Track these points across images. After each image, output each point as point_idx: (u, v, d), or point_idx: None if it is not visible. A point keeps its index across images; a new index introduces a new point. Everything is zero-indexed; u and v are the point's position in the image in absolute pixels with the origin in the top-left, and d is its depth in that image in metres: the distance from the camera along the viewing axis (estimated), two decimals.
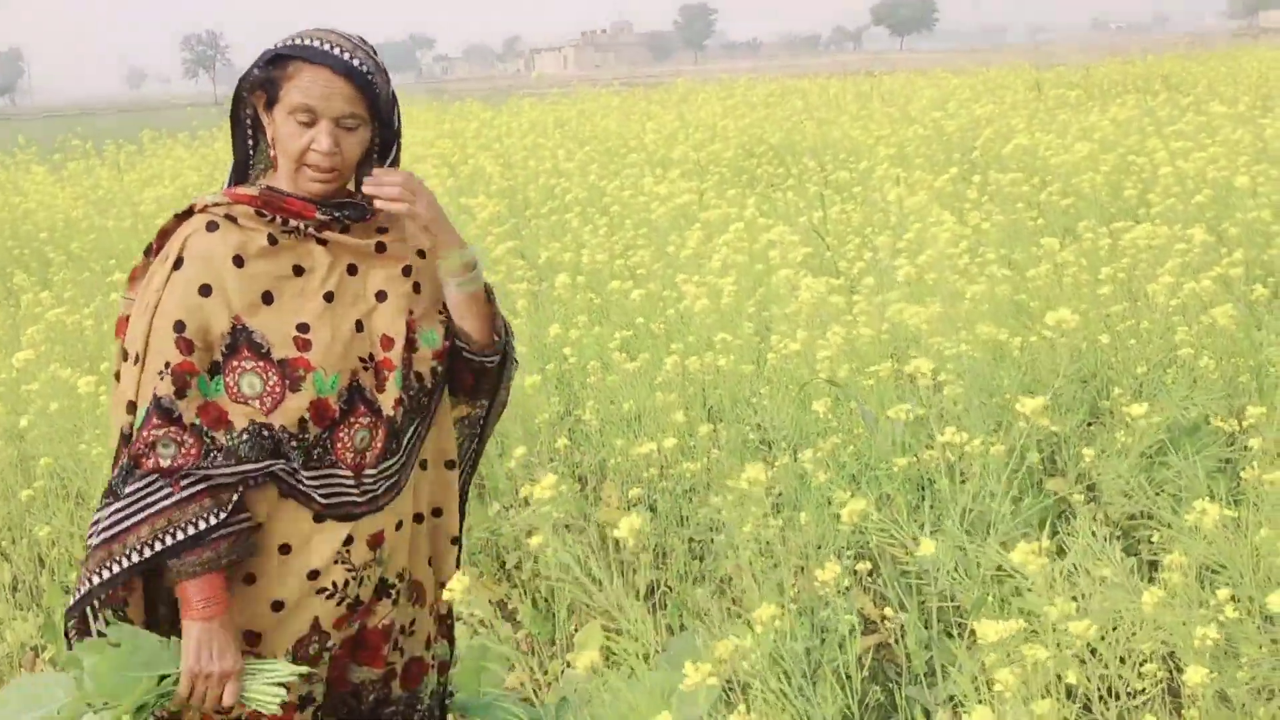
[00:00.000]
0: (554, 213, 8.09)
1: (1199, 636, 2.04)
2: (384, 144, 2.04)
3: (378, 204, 2.02)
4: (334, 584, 2.00)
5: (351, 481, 1.98)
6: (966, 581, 2.68)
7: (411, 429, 2.08)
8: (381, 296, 2.04)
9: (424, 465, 2.15)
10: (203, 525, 1.88)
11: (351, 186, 2.07)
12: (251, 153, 2.09)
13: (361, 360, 2.00)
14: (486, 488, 4.30)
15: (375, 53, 2.00)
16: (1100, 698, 2.13)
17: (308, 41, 1.95)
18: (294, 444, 1.93)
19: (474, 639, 3.41)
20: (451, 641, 2.38)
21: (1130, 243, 4.83)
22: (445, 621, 2.32)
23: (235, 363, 1.92)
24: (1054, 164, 7.58)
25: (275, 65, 1.94)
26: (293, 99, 1.92)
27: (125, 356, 1.97)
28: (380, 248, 2.06)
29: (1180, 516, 2.53)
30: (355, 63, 1.94)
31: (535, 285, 6.02)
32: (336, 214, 2.00)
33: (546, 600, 3.73)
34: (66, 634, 1.97)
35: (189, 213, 2.00)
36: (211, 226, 1.95)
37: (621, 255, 6.37)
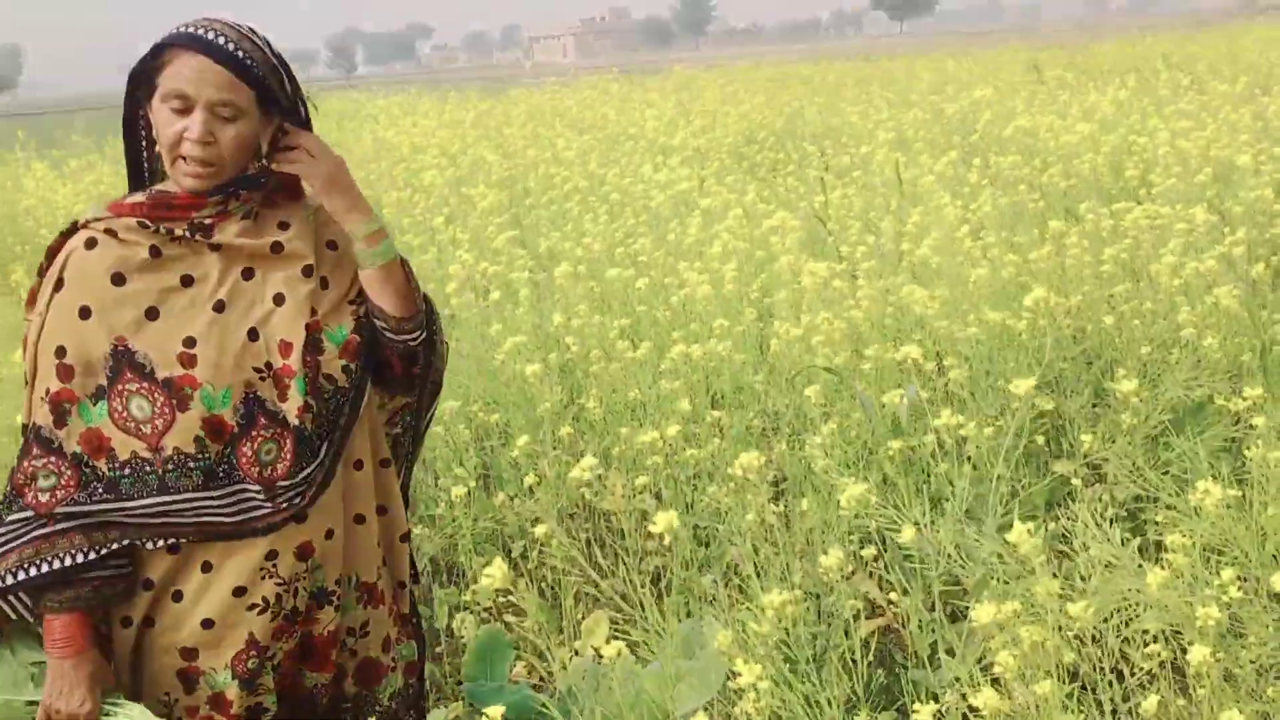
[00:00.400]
0: (554, 202, 8.09)
1: (1202, 616, 2.04)
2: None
3: (276, 165, 1.94)
4: (264, 599, 1.96)
5: (263, 496, 1.90)
6: (970, 564, 2.69)
7: (335, 430, 2.01)
8: (279, 300, 1.94)
9: (359, 466, 2.08)
10: (69, 561, 1.84)
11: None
12: (145, 156, 2.00)
13: (257, 370, 1.91)
14: (491, 477, 4.31)
15: (268, 45, 1.92)
16: (1105, 678, 2.13)
17: (186, 29, 1.88)
18: (192, 465, 1.86)
19: (481, 629, 3.42)
20: (420, 640, 2.33)
21: (1132, 223, 4.82)
22: (410, 621, 2.28)
23: (120, 386, 1.84)
24: (1054, 145, 7.56)
25: (155, 55, 1.86)
26: (166, 85, 1.84)
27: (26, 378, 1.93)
28: (277, 248, 1.95)
29: (1184, 497, 2.54)
30: (233, 49, 1.85)
31: (536, 274, 6.01)
32: (229, 190, 1.90)
33: (553, 589, 3.75)
34: None
35: (74, 229, 1.92)
36: (90, 244, 1.87)
37: (622, 243, 6.36)
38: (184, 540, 1.91)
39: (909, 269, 4.93)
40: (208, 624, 1.94)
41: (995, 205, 5.52)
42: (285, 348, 1.93)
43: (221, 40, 1.85)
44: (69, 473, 1.84)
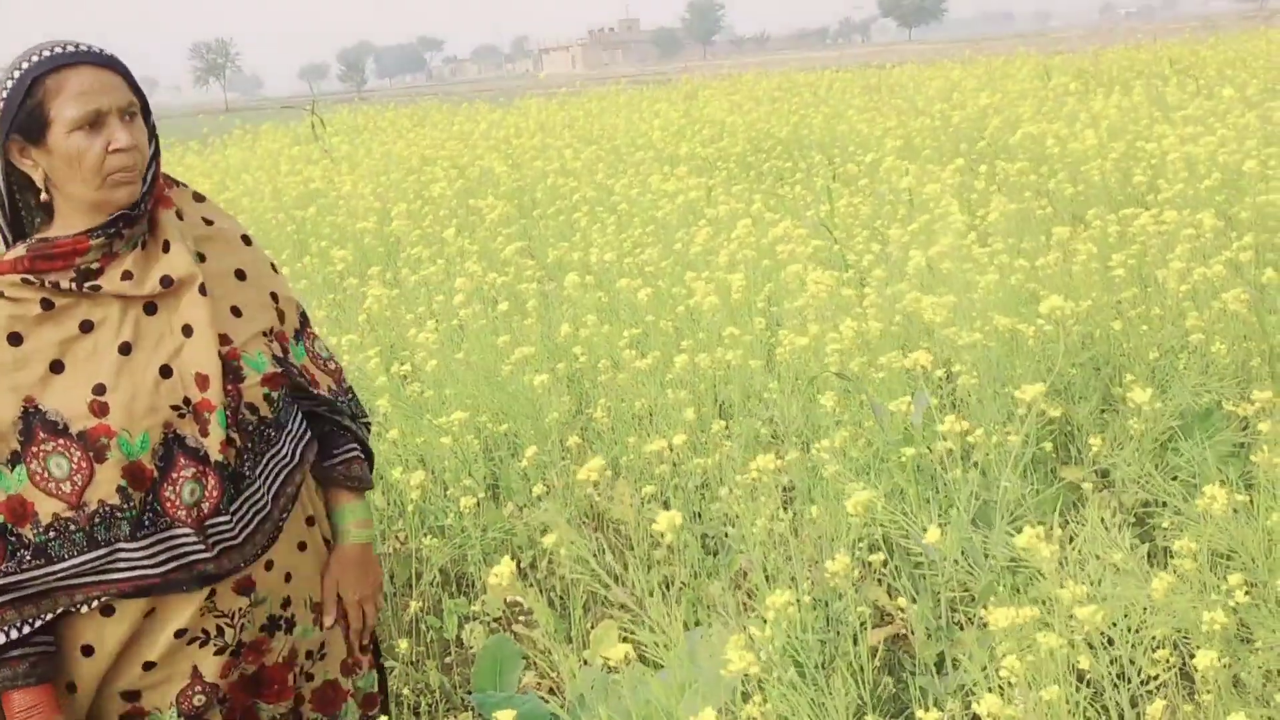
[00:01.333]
0: (562, 212, 8.11)
1: (1209, 621, 2.04)
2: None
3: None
4: (204, 631, 1.91)
5: (193, 539, 1.84)
6: (978, 571, 2.69)
7: (263, 464, 1.95)
8: (188, 331, 1.86)
9: (294, 500, 2.04)
10: (1, 639, 1.78)
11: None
12: (22, 213, 1.89)
13: (175, 408, 1.83)
14: (500, 488, 4.32)
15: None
16: (1113, 683, 2.13)
17: (51, 52, 1.78)
18: (120, 516, 1.79)
19: (490, 638, 3.43)
20: (380, 670, 2.29)
21: (1140, 229, 4.82)
22: (367, 649, 2.24)
23: (35, 448, 1.77)
24: (1062, 152, 7.56)
25: (31, 93, 1.76)
26: (70, 112, 1.75)
27: None
28: (167, 282, 1.86)
29: (1191, 503, 2.53)
30: (105, 54, 1.81)
31: (544, 285, 6.03)
32: (110, 231, 1.82)
33: (561, 598, 3.75)
34: None
35: None
36: None
37: (630, 253, 6.38)
38: (117, 600, 1.84)
39: (916, 276, 4.93)
40: (149, 666, 1.89)
41: (1003, 212, 5.52)
42: (202, 380, 1.86)
43: (95, 49, 1.81)
44: None
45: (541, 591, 3.79)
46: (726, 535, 3.60)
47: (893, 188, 7.25)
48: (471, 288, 5.32)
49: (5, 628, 1.79)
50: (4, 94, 1.79)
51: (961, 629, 2.72)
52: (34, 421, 1.78)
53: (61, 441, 1.78)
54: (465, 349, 4.93)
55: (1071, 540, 2.51)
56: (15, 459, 1.78)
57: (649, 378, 4.29)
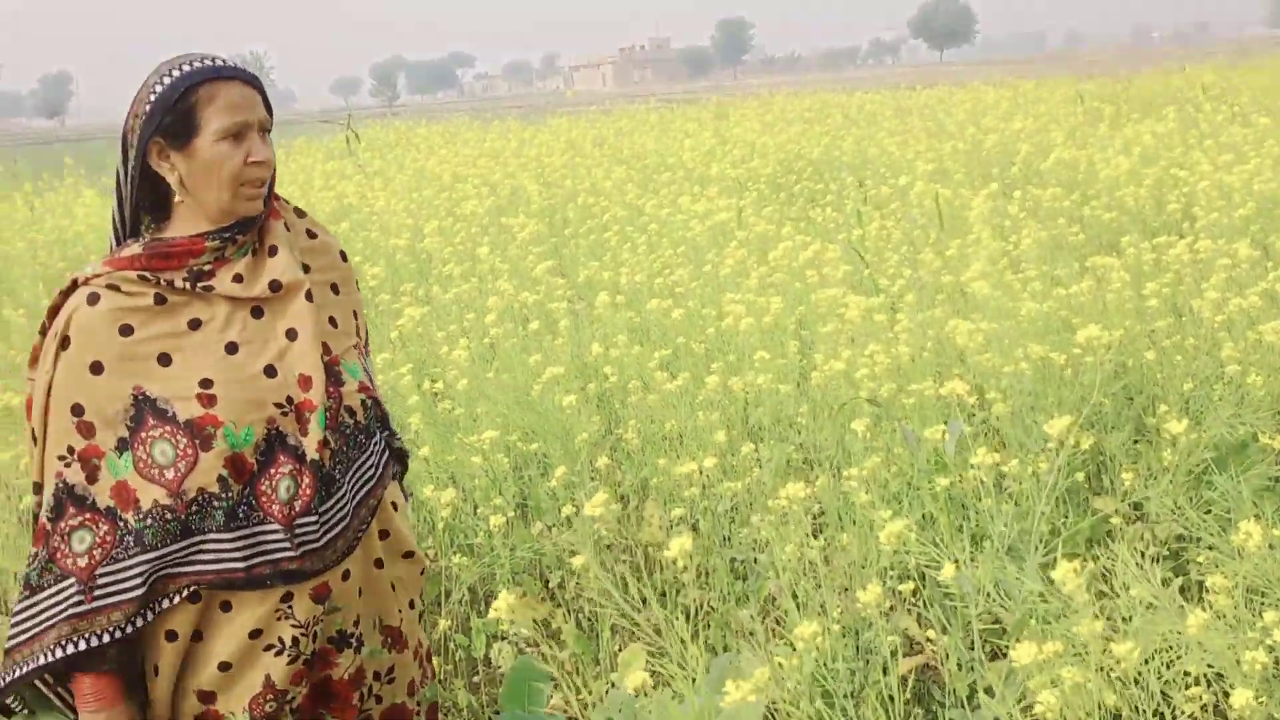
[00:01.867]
0: (592, 232, 8.14)
1: (1249, 660, 2.02)
2: None
3: None
4: (280, 640, 1.95)
5: (281, 537, 1.90)
6: (1009, 603, 2.68)
7: (351, 471, 2.01)
8: (292, 335, 1.95)
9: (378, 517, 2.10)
10: (106, 639, 1.85)
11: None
12: (132, 209, 1.99)
13: (278, 406, 1.91)
14: (529, 507, 4.33)
15: None
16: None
17: (202, 63, 1.88)
18: (216, 505, 1.86)
19: (518, 658, 3.44)
20: (432, 676, 2.34)
21: (1175, 258, 4.80)
22: (428, 662, 2.30)
23: (143, 433, 1.84)
24: (1095, 178, 7.53)
25: (184, 99, 1.85)
26: (218, 122, 1.85)
27: (31, 436, 1.92)
28: (275, 287, 1.95)
29: (1226, 538, 2.52)
30: (247, 70, 1.92)
31: (575, 304, 6.06)
32: (225, 235, 1.91)
33: (590, 620, 3.76)
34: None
35: (72, 287, 1.92)
36: (93, 299, 1.86)
37: (660, 274, 6.40)
38: (203, 589, 1.91)
39: (949, 302, 4.92)
40: (224, 666, 1.94)
41: (1035, 239, 5.50)
42: (305, 381, 1.93)
43: (238, 66, 1.92)
44: (105, 527, 1.84)
45: (569, 612, 3.80)
46: (756, 561, 3.60)
47: (924, 211, 7.24)
48: (503, 306, 5.35)
49: (111, 629, 1.85)
50: (153, 96, 1.87)
51: (994, 660, 2.71)
52: (144, 408, 1.85)
53: (169, 428, 1.85)
54: (496, 367, 4.96)
55: (1105, 574, 2.50)
56: (123, 446, 1.85)
57: (679, 399, 4.29)
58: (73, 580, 1.84)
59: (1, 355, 6.08)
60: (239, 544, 1.88)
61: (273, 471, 1.90)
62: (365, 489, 2.05)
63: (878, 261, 6.05)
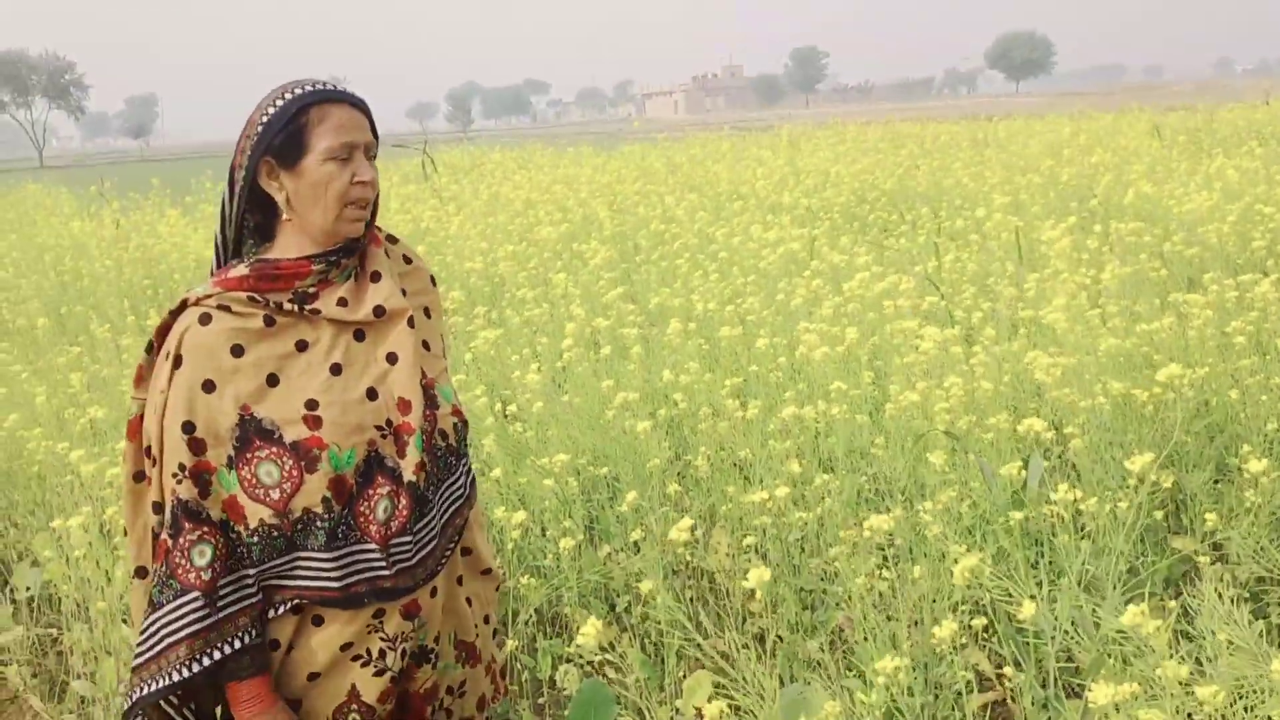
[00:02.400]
0: (664, 258, 8.18)
1: None
2: None
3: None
4: (368, 651, 1.99)
5: (378, 556, 1.94)
6: (1085, 641, 2.63)
7: (443, 489, 2.06)
8: (392, 359, 1.99)
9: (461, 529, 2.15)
10: (238, 644, 1.89)
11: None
12: (236, 229, 2.04)
13: (379, 428, 1.95)
14: (598, 530, 4.35)
15: None
16: None
17: (315, 87, 1.93)
18: (319, 525, 1.90)
19: (585, 681, 3.45)
20: (505, 693, 2.36)
21: (1260, 295, 4.70)
22: (501, 678, 2.32)
23: (249, 454, 1.88)
24: (1177, 213, 7.41)
25: (295, 119, 1.90)
26: (327, 142, 1.90)
27: (148, 456, 1.95)
28: (379, 312, 1.99)
29: None
30: (359, 97, 1.96)
31: (646, 330, 6.09)
32: (331, 259, 1.96)
33: (656, 645, 3.76)
34: None
35: (182, 307, 1.96)
36: (205, 319, 1.91)
37: (731, 301, 6.41)
38: (305, 601, 1.95)
39: (1027, 336, 4.87)
40: (313, 677, 1.99)
41: (1116, 274, 5.43)
42: (404, 405, 1.97)
43: (347, 91, 1.96)
44: (221, 541, 1.89)
45: (635, 636, 3.80)
46: (825, 592, 3.58)
47: (1001, 244, 7.17)
48: (577, 331, 5.39)
49: (240, 634, 1.90)
50: (265, 118, 1.92)
51: (1070, 698, 2.66)
52: (249, 429, 1.89)
53: (274, 450, 1.89)
54: (568, 391, 5.00)
55: (1185, 614, 2.45)
56: (230, 464, 1.89)
57: (751, 427, 4.29)
58: (195, 594, 1.87)
59: (88, 370, 6.25)
60: (336, 563, 1.92)
61: (371, 492, 1.93)
62: (454, 508, 2.10)
63: (953, 293, 6.00)
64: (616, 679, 3.69)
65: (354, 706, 2.01)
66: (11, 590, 4.38)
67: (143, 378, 1.99)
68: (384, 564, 1.94)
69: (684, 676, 3.48)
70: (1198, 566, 3.22)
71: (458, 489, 2.12)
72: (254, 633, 1.92)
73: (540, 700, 3.74)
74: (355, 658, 1.99)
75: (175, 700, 2.00)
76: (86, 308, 8.56)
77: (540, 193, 12.79)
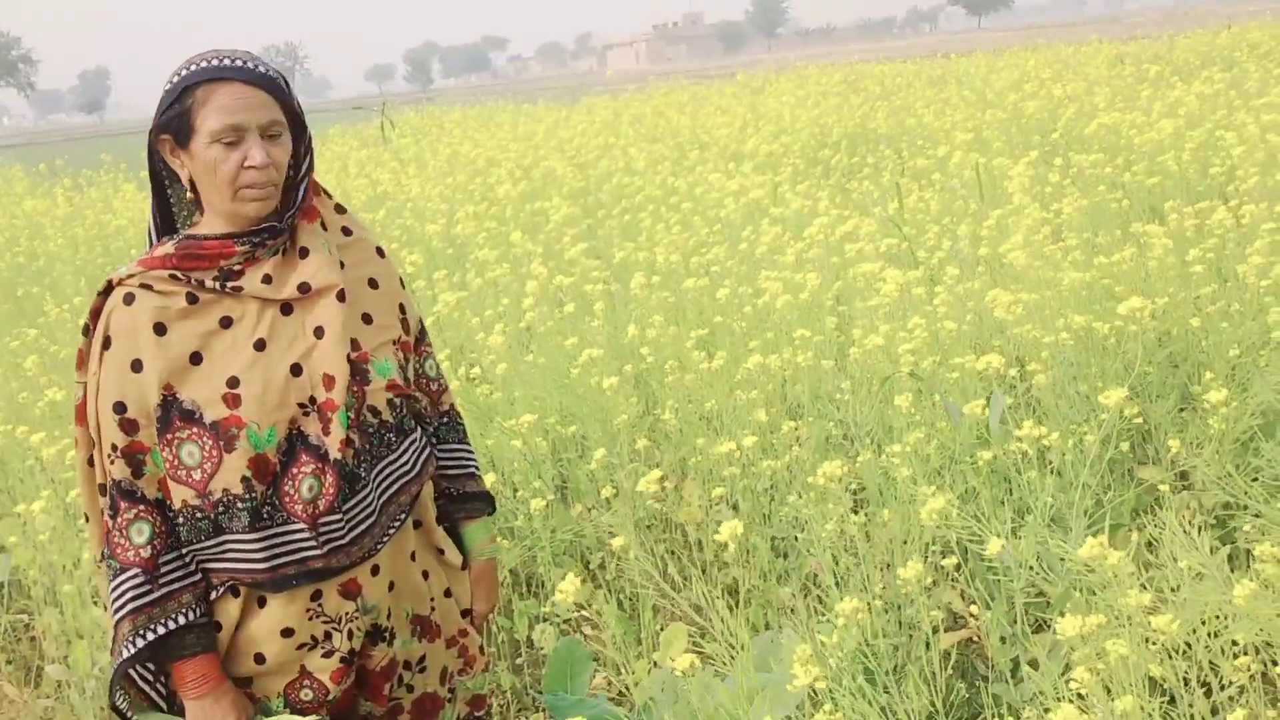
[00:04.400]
0: (626, 212, 8.12)
1: None
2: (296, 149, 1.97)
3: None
4: (312, 637, 1.98)
5: (306, 536, 1.91)
6: (1053, 576, 2.65)
7: (379, 469, 2.01)
8: (320, 333, 1.94)
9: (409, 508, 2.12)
10: (182, 620, 1.89)
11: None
12: (172, 205, 2.02)
13: (301, 405, 1.91)
14: (569, 489, 4.34)
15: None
16: (1192, 690, 2.09)
17: (209, 63, 1.86)
18: (240, 506, 1.88)
19: (561, 640, 3.46)
20: (482, 667, 2.33)
21: (1218, 222, 4.71)
22: (476, 661, 2.29)
23: (170, 435, 1.87)
24: (1138, 143, 7.40)
25: (181, 99, 1.85)
26: (210, 124, 1.83)
27: (91, 442, 1.94)
28: (304, 288, 1.94)
29: (1274, 505, 2.47)
30: (263, 70, 1.87)
31: (610, 285, 6.05)
32: (255, 240, 1.91)
33: (630, 600, 3.76)
34: (116, 711, 2.05)
35: (108, 288, 1.93)
36: (129, 299, 1.89)
37: (695, 253, 6.37)
38: (238, 583, 1.95)
39: (989, 273, 4.86)
40: (260, 659, 1.98)
41: (1077, 206, 5.42)
42: (328, 381, 1.93)
43: (253, 65, 1.86)
44: (158, 519, 1.89)
45: (611, 593, 3.81)
46: (796, 539, 3.58)
47: (964, 182, 7.15)
48: (539, 290, 5.35)
49: (184, 610, 1.91)
50: (163, 95, 1.88)
51: (1038, 633, 2.68)
52: (171, 410, 1.87)
53: (195, 430, 1.87)
54: (533, 351, 4.97)
55: (1150, 544, 2.47)
56: (161, 443, 1.89)
57: (717, 378, 4.28)
58: (136, 571, 1.88)
59: (46, 352, 6.17)
60: (262, 545, 1.90)
61: (295, 471, 1.90)
62: (396, 485, 2.05)
63: (916, 234, 5.99)
64: (593, 635, 3.70)
65: (305, 683, 2.01)
66: None
67: (83, 361, 1.96)
68: (313, 544, 1.91)
69: (660, 630, 3.49)
70: (1164, 497, 3.24)
71: (400, 466, 2.06)
72: (198, 611, 1.91)
73: (518, 660, 3.75)
74: (300, 645, 1.98)
75: (149, 675, 2.02)
76: (43, 288, 8.43)
77: (500, 151, 12.67)
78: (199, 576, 1.92)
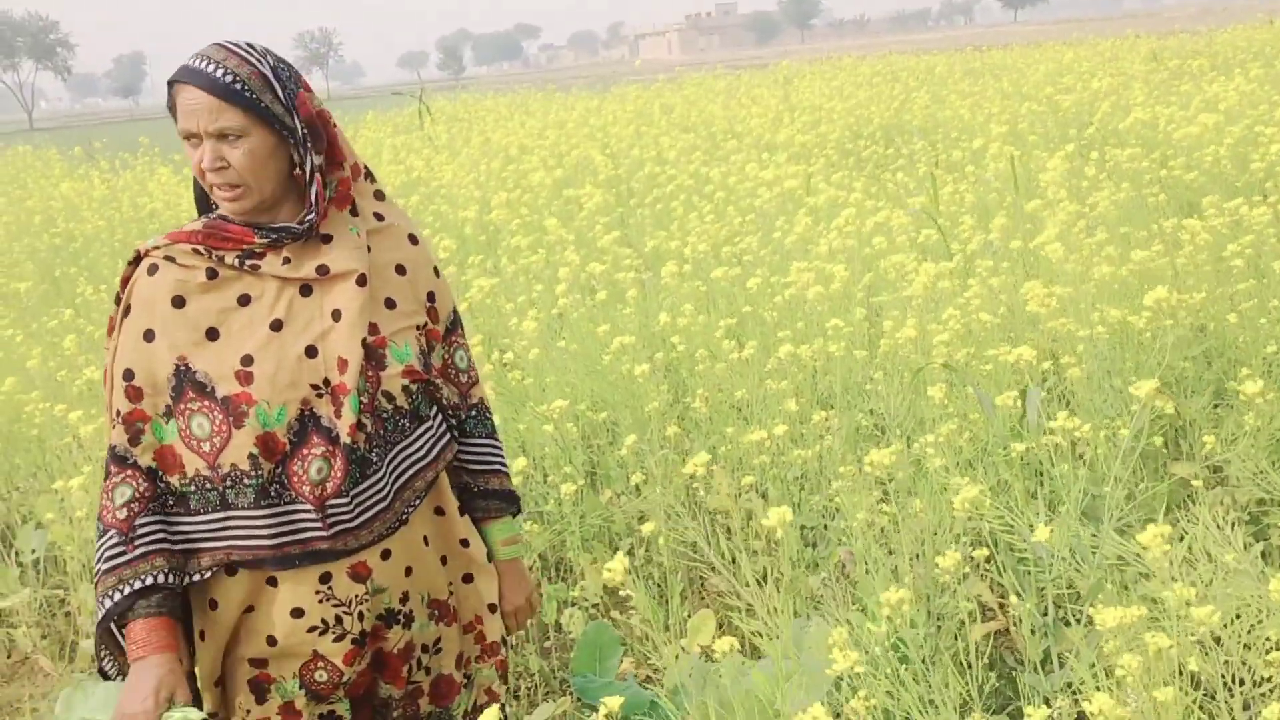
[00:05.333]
0: (659, 201, 8.12)
1: None
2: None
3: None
4: (323, 621, 1.98)
5: (313, 517, 1.92)
6: (1085, 568, 2.64)
7: (392, 454, 2.01)
8: (337, 315, 1.94)
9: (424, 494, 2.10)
10: (148, 581, 1.90)
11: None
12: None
13: (314, 387, 1.92)
14: (598, 475, 4.36)
15: (265, 57, 1.91)
16: (1225, 685, 2.08)
17: (186, 63, 1.89)
18: (247, 483, 1.90)
19: (590, 624, 3.48)
20: (504, 670, 2.30)
21: (1257, 218, 4.66)
22: (496, 650, 2.26)
23: (183, 405, 1.89)
24: (1176, 138, 7.33)
25: (169, 95, 1.90)
26: (178, 124, 1.88)
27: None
28: (323, 270, 1.95)
29: None
30: (218, 74, 1.85)
31: (642, 273, 6.06)
32: (272, 236, 1.93)
33: (659, 585, 3.78)
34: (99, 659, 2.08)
35: (138, 258, 1.98)
36: (152, 270, 1.93)
37: (728, 242, 6.37)
38: (241, 565, 1.95)
39: (1023, 266, 4.84)
40: (272, 641, 1.99)
41: (1113, 200, 5.38)
42: (342, 364, 1.92)
43: (210, 68, 1.85)
44: (145, 485, 1.91)
45: (639, 578, 3.82)
46: (826, 528, 3.59)
47: (998, 175, 7.11)
48: (572, 277, 5.37)
49: (154, 573, 1.91)
50: None
51: (1069, 625, 2.68)
52: (184, 381, 1.90)
53: (206, 403, 1.89)
54: (565, 337, 4.98)
55: (1183, 538, 2.46)
56: (169, 413, 1.91)
57: (748, 368, 4.28)
58: (113, 532, 1.91)
59: (83, 332, 6.24)
60: (268, 522, 1.92)
61: (305, 452, 1.91)
62: (411, 471, 2.05)
63: (950, 226, 5.96)
64: (622, 620, 3.72)
65: (319, 665, 2.02)
66: (17, 553, 4.41)
67: (113, 327, 2.00)
68: (319, 525, 1.92)
69: (689, 615, 3.51)
70: (1197, 492, 3.22)
71: (415, 452, 2.06)
72: (168, 576, 1.92)
73: (546, 644, 3.77)
74: (311, 628, 1.99)
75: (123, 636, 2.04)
76: (80, 269, 8.52)
77: (533, 139, 12.68)
78: (175, 544, 1.93)
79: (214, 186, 1.90)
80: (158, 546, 1.91)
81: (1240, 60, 14.01)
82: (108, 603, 1.90)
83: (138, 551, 1.90)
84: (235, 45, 1.91)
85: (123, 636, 1.99)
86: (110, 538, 1.91)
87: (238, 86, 1.85)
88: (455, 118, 18.90)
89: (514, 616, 2.31)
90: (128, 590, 1.89)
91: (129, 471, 1.91)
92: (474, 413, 2.22)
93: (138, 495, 1.90)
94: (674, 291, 5.39)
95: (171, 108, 1.90)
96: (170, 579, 1.92)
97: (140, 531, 1.90)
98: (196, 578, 1.94)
